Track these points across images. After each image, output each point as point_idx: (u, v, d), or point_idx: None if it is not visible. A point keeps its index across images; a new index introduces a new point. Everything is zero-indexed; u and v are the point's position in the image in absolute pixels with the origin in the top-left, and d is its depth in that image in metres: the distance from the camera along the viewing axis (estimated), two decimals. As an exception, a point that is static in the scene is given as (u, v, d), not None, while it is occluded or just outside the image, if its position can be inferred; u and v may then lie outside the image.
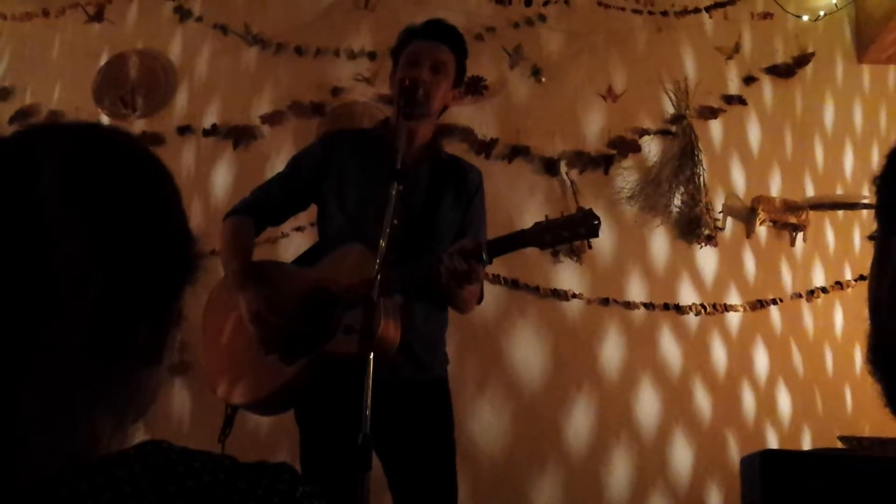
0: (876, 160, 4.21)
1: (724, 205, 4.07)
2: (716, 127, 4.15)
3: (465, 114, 4.01)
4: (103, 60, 4.19)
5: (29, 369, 0.69)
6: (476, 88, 4.02)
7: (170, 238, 0.79)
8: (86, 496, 0.68)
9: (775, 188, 4.12)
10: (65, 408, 0.72)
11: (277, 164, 3.81)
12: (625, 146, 4.05)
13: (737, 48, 4.21)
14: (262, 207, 2.54)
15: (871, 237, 0.82)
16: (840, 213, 4.16)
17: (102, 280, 0.72)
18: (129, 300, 0.74)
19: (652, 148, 4.07)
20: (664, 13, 4.20)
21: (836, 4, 4.16)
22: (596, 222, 2.12)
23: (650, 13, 4.20)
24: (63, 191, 0.72)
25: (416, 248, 2.28)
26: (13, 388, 0.69)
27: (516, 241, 2.17)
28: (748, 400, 3.88)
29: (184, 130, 4.07)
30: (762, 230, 4.07)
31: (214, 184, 4.00)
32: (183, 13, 4.21)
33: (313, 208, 2.62)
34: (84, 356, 0.72)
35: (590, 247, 2.26)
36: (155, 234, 0.78)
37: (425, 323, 2.41)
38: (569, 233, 2.14)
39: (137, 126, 4.09)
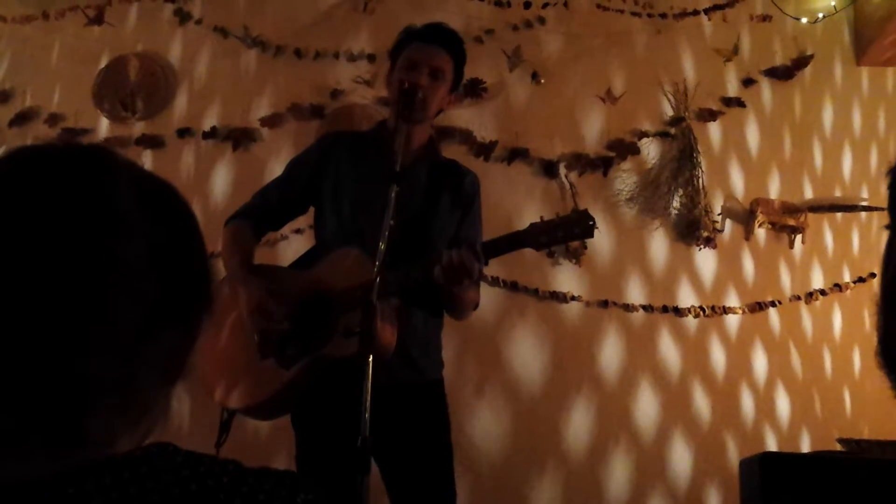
0: (875, 162, 4.22)
1: (722, 207, 4.08)
2: (714, 129, 4.15)
3: (464, 116, 4.01)
4: (103, 63, 4.20)
5: (80, 352, 0.71)
6: (475, 91, 4.03)
7: (203, 265, 0.84)
8: (91, 496, 0.69)
9: (774, 190, 4.13)
10: (84, 400, 0.73)
11: (277, 167, 3.81)
12: (624, 148, 4.06)
13: (735, 50, 4.21)
14: (260, 213, 2.55)
15: (887, 227, 0.82)
16: (839, 215, 4.17)
17: (154, 281, 0.75)
18: (168, 306, 0.76)
19: (651, 150, 4.08)
20: (663, 15, 4.20)
21: (834, 7, 4.17)
22: (591, 222, 2.12)
23: (649, 15, 4.20)
24: (134, 195, 0.77)
25: (412, 250, 2.27)
26: (66, 369, 0.70)
27: (511, 242, 2.17)
28: (747, 402, 3.89)
29: (183, 133, 4.08)
30: (761, 232, 4.08)
31: (214, 186, 4.01)
32: (183, 16, 4.22)
33: (312, 211, 2.63)
34: (121, 355, 0.73)
35: (584, 247, 2.26)
36: (194, 257, 0.83)
37: (422, 326, 2.41)
38: (564, 233, 2.14)
39: (137, 129, 4.10)
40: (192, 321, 0.81)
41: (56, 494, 0.68)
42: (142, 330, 0.74)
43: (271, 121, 4.06)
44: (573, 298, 3.88)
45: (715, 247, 4.00)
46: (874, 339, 0.80)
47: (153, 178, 0.83)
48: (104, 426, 0.73)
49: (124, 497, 0.69)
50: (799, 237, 4.09)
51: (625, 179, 4.03)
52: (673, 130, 4.09)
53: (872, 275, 4.03)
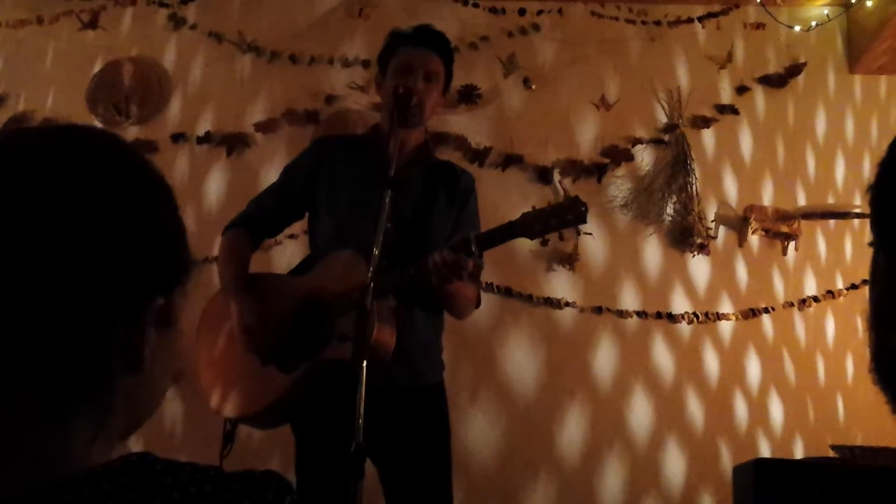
0: (867, 170, 4.23)
1: (716, 214, 4.08)
2: (708, 136, 4.16)
3: (458, 122, 4.02)
4: (97, 67, 4.19)
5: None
6: (470, 97, 4.03)
7: (141, 236, 0.76)
8: None
9: (767, 197, 4.14)
10: (38, 415, 0.70)
11: (271, 172, 3.82)
12: (618, 155, 4.06)
13: (729, 58, 4.23)
14: (257, 220, 2.54)
15: (871, 244, 0.84)
16: (831, 222, 4.18)
17: (62, 276, 0.69)
18: (96, 298, 0.71)
19: (645, 157, 4.09)
20: (657, 23, 4.21)
21: (827, 15, 4.18)
22: (583, 208, 2.10)
23: (643, 23, 4.21)
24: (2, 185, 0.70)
25: (410, 253, 2.27)
26: None
27: (505, 232, 2.15)
28: (740, 408, 3.89)
29: (177, 138, 4.07)
30: (754, 239, 4.09)
31: (208, 191, 4.00)
32: (177, 21, 4.22)
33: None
34: (55, 360, 0.70)
35: (578, 233, 2.23)
36: (121, 231, 0.74)
37: (423, 328, 2.40)
38: (557, 220, 2.12)
39: (131, 133, 4.09)
40: (134, 303, 0.75)
41: None
42: (62, 324, 0.69)
43: (266, 126, 4.06)
44: (567, 304, 3.89)
45: (708, 253, 4.01)
46: (867, 354, 0.81)
47: (59, 158, 0.74)
48: (61, 432, 0.71)
49: None
50: (792, 244, 4.10)
51: (619, 186, 4.04)
52: (667, 137, 4.10)
53: (865, 282, 4.03)
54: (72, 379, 0.71)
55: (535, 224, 2.12)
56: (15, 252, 0.68)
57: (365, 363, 1.80)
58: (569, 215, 2.11)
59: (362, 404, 1.77)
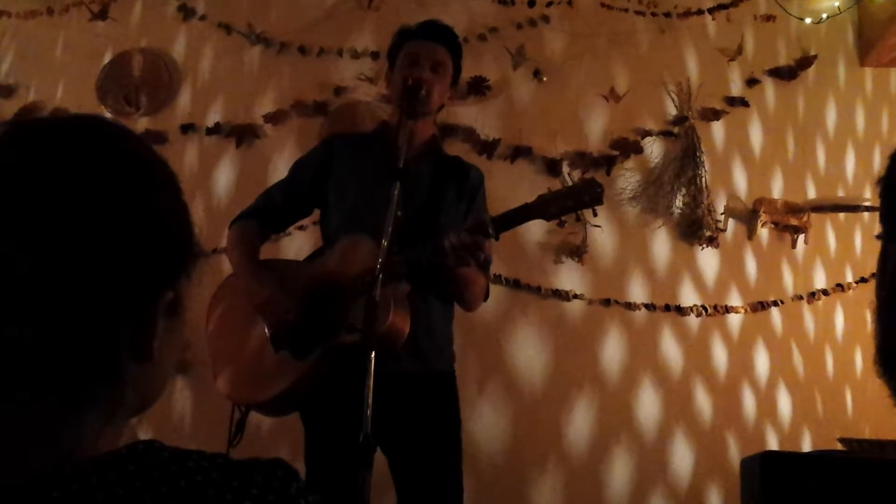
0: (878, 162, 4.21)
1: (725, 206, 4.07)
2: (718, 128, 4.15)
3: (467, 114, 4.01)
4: (107, 58, 4.20)
5: (9, 367, 0.69)
6: (478, 89, 4.03)
7: (148, 233, 0.75)
8: (77, 498, 0.67)
9: (777, 190, 4.13)
10: (50, 415, 0.71)
11: (280, 164, 3.83)
12: (627, 147, 4.05)
13: (739, 50, 4.21)
14: (265, 213, 2.55)
15: (878, 237, 0.84)
16: (841, 215, 4.17)
17: (69, 286, 0.69)
18: (106, 302, 0.71)
19: (654, 149, 4.07)
20: (667, 14, 4.20)
21: (838, 7, 4.17)
22: (599, 189, 2.12)
23: (653, 14, 4.20)
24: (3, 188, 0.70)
25: (419, 244, 2.28)
26: None
27: (522, 214, 2.16)
28: (749, 401, 3.89)
29: (187, 129, 4.08)
30: (763, 232, 4.08)
31: (217, 182, 4.01)
32: (187, 12, 4.22)
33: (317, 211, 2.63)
34: (66, 365, 0.70)
35: (595, 214, 2.22)
36: (128, 230, 0.73)
37: (433, 315, 2.41)
38: (573, 202, 2.13)
39: (140, 124, 4.09)
40: (140, 301, 0.75)
41: (40, 498, 0.66)
42: (70, 324, 0.70)
43: (275, 117, 4.05)
44: (575, 297, 3.88)
45: (717, 246, 4.00)
46: (873, 347, 0.81)
47: (54, 159, 0.72)
48: (73, 421, 0.72)
49: (111, 498, 0.67)
50: (801, 237, 4.09)
51: (628, 178, 4.03)
52: (676, 129, 4.08)
53: (875, 275, 4.03)
54: (82, 379, 0.72)
55: (550, 206, 2.14)
56: (19, 265, 0.68)
57: (373, 354, 1.81)
58: (585, 196, 2.12)
59: (370, 395, 1.78)
